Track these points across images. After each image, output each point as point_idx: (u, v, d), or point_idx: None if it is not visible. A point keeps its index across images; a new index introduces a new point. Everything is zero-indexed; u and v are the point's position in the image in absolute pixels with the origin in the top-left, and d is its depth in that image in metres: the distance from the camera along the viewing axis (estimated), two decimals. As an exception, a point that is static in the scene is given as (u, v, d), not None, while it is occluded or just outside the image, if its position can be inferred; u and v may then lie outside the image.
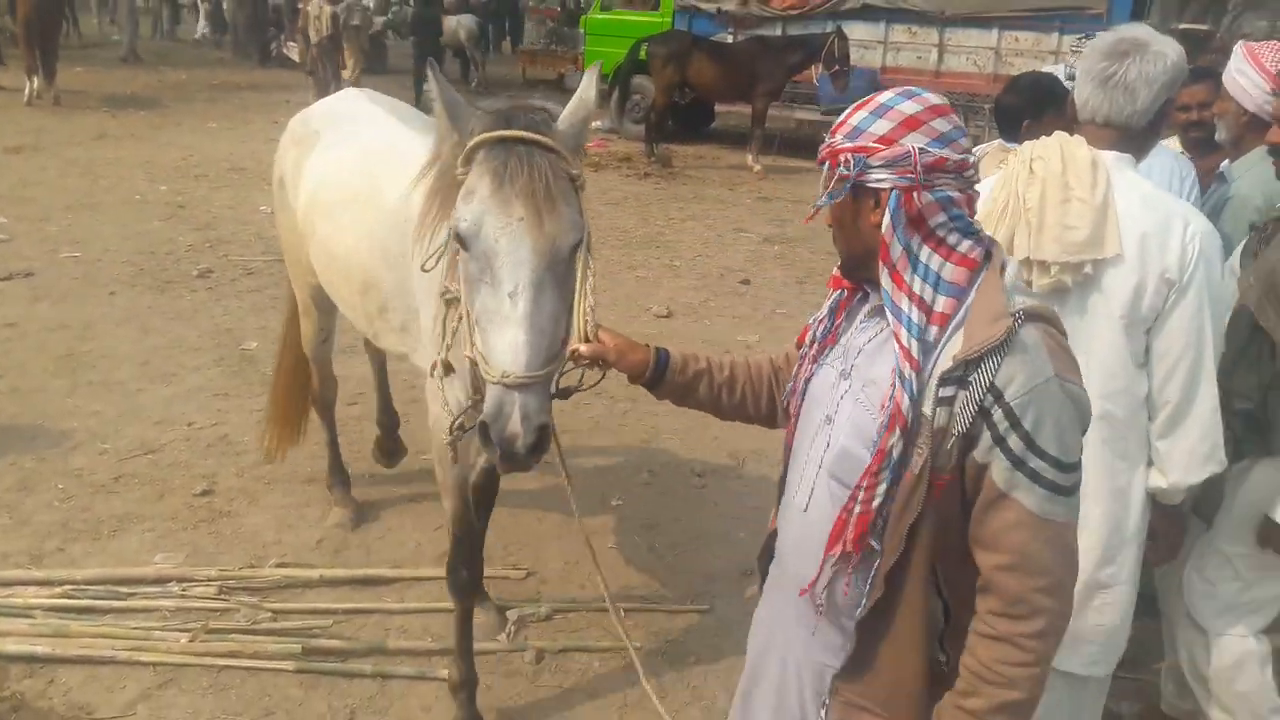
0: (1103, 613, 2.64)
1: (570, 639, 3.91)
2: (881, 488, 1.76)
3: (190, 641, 3.68)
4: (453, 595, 3.42)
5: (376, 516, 4.70)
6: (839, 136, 1.83)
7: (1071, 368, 1.76)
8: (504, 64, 26.83)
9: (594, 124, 2.76)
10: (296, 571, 4.15)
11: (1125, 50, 2.51)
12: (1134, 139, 2.58)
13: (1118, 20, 13.48)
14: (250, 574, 4.11)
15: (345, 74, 17.62)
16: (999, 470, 1.69)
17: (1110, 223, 2.42)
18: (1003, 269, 1.81)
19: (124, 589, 3.95)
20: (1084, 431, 1.76)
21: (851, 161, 1.78)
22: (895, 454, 1.73)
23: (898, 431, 1.72)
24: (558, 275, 2.20)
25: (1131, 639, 2.81)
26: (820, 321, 2.03)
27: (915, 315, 1.75)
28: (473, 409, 2.62)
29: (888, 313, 1.79)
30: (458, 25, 21.58)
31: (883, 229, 1.77)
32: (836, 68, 13.72)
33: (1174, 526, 2.82)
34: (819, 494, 1.92)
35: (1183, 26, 26.37)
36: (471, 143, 2.23)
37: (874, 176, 1.77)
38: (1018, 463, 1.67)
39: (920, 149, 1.75)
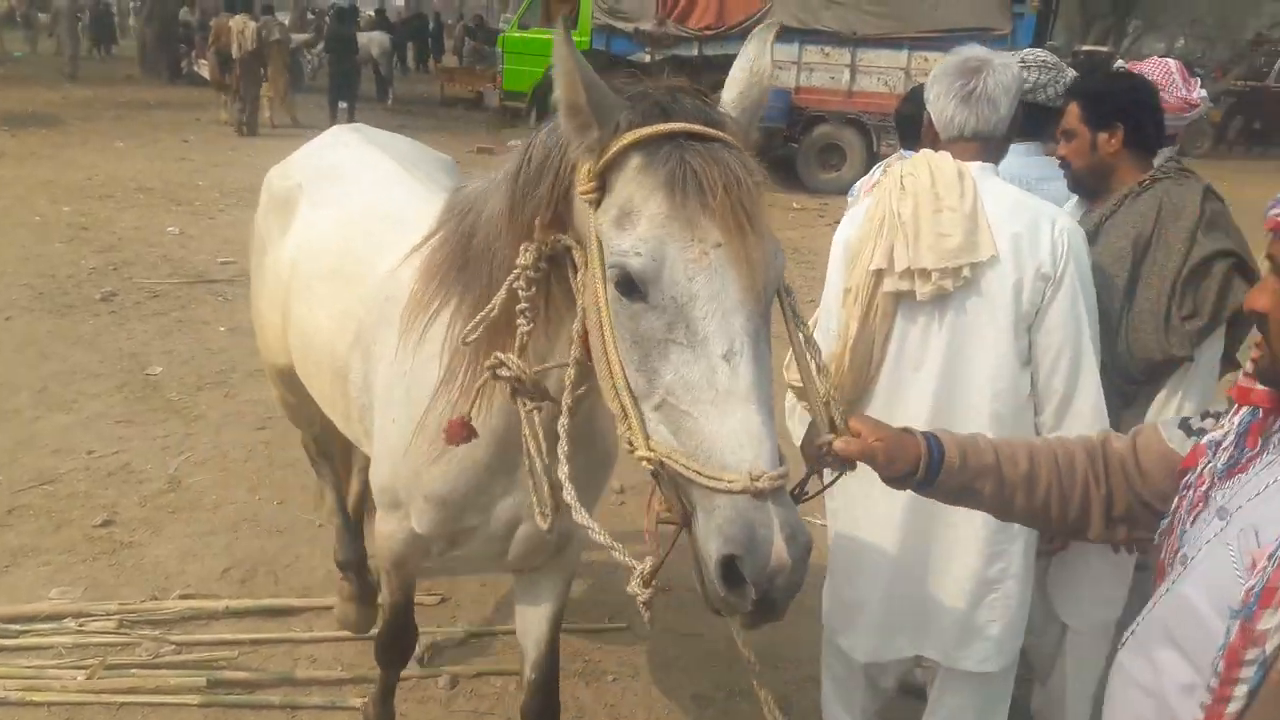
0: (994, 609, 2.69)
1: (486, 663, 3.85)
2: (1241, 689, 1.30)
3: (88, 679, 3.54)
4: (381, 668, 3.19)
5: (285, 544, 4.59)
6: None
7: None
8: (422, 82, 26.66)
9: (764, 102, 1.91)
10: (201, 603, 4.03)
11: (976, 67, 2.66)
12: (995, 148, 2.71)
13: (1022, 41, 13.95)
14: (153, 607, 3.97)
15: (265, 90, 17.38)
16: None
17: (982, 228, 2.51)
18: None
19: (16, 626, 3.79)
20: None
21: None
22: (1272, 645, 1.27)
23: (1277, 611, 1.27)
24: (766, 326, 1.62)
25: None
26: (1224, 450, 1.53)
27: None
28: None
29: None
30: (369, 42, 21.42)
31: None
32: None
33: None
34: (1148, 652, 1.52)
35: (1085, 48, 27.50)
36: (621, 143, 1.61)
37: None
38: None
39: None
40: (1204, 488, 1.52)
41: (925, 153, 2.69)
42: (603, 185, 1.65)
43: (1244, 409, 1.53)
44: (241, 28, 16.89)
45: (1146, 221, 2.91)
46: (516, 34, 18.25)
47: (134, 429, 5.60)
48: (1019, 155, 3.31)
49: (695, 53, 15.63)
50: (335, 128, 3.80)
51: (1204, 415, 1.69)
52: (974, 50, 2.73)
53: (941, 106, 2.69)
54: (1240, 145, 23.45)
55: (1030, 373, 2.60)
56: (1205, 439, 1.57)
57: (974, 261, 2.50)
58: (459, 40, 27.71)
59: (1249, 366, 1.53)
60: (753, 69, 1.81)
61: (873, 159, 13.43)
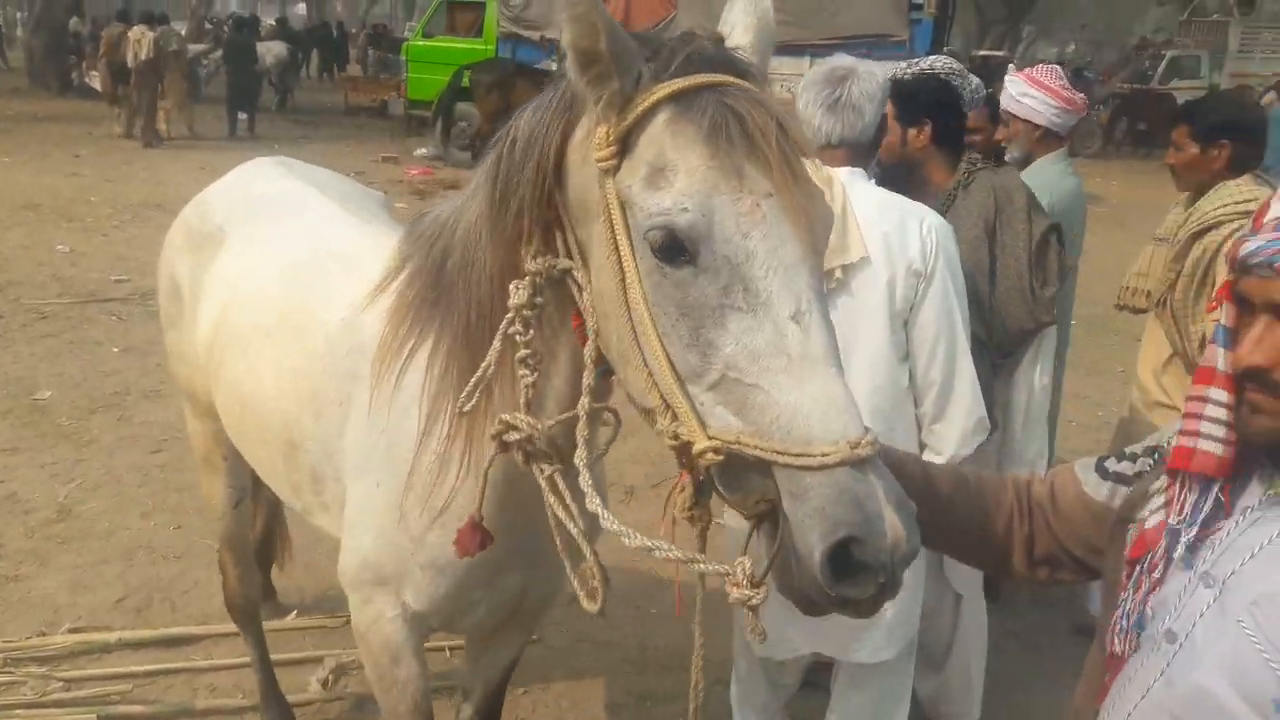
0: None
1: (393, 683, 3.78)
2: None
3: (-32, 722, 3.38)
4: None
5: (182, 569, 4.44)
6: None
7: None
8: (327, 91, 26.21)
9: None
10: (93, 636, 3.88)
11: (842, 76, 2.71)
12: (862, 154, 2.78)
13: (920, 47, 14.30)
14: (40, 642, 3.81)
15: (163, 103, 16.92)
16: None
17: (851, 230, 2.57)
18: None
19: (-111, 670, 3.60)
20: None
21: None
22: None
23: None
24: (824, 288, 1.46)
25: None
26: (1186, 531, 1.38)
27: None
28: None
29: None
30: (266, 51, 21.01)
31: None
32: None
33: None
34: None
35: (982, 53, 28.32)
36: (652, 97, 1.42)
37: None
38: None
39: None
40: (1158, 573, 1.40)
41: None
42: (621, 150, 1.45)
43: (1202, 479, 1.37)
44: (139, 37, 16.45)
45: (988, 209, 3.17)
46: (421, 42, 18.08)
47: (20, 457, 5.36)
48: None
49: (602, 60, 15.66)
50: (256, 160, 3.36)
51: (1119, 457, 1.61)
52: (840, 59, 2.79)
53: (809, 115, 2.74)
54: (1127, 146, 24.41)
55: (908, 366, 2.68)
56: (1169, 524, 1.40)
57: (845, 263, 2.56)
58: (362, 49, 27.34)
59: (1198, 426, 1.37)
60: (758, 13, 1.62)
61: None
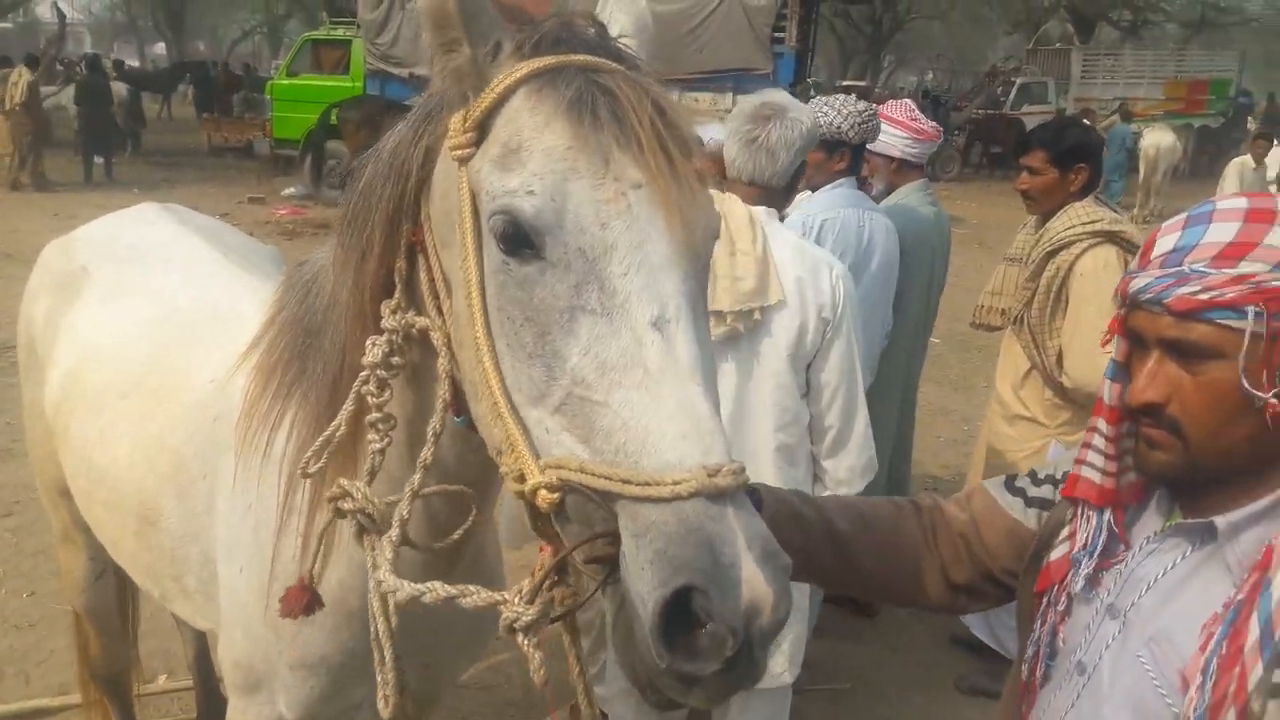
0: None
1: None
2: None
3: None
4: None
5: (38, 639, 4.18)
6: (1266, 267, 1.21)
7: None
8: (189, 131, 25.40)
9: None
10: (-63, 716, 3.63)
11: (767, 115, 2.75)
12: (775, 196, 2.84)
13: (784, 78, 14.72)
14: (-123, 727, 3.55)
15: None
16: None
17: (771, 273, 2.64)
18: None
19: None
20: None
21: None
22: None
23: None
24: (703, 296, 1.28)
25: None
26: (1089, 562, 1.38)
27: None
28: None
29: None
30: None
31: None
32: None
33: None
34: None
35: (845, 83, 29.25)
36: (511, 76, 1.23)
37: None
38: None
39: None
40: (1062, 605, 1.41)
41: (716, 194, 2.76)
42: (480, 136, 1.25)
43: (1097, 510, 1.39)
44: (17, 79, 15.76)
45: None
46: (286, 81, 17.72)
47: None
48: (827, 190, 3.64)
49: (473, 95, 15.62)
50: (141, 205, 3.03)
51: (1034, 480, 1.59)
52: (775, 96, 2.85)
53: (728, 147, 2.81)
54: (984, 168, 25.55)
55: (808, 405, 2.78)
56: (1073, 555, 1.40)
57: (764, 305, 2.63)
58: (220, 87, 26.62)
59: (1085, 455, 1.40)
60: (634, 11, 1.45)
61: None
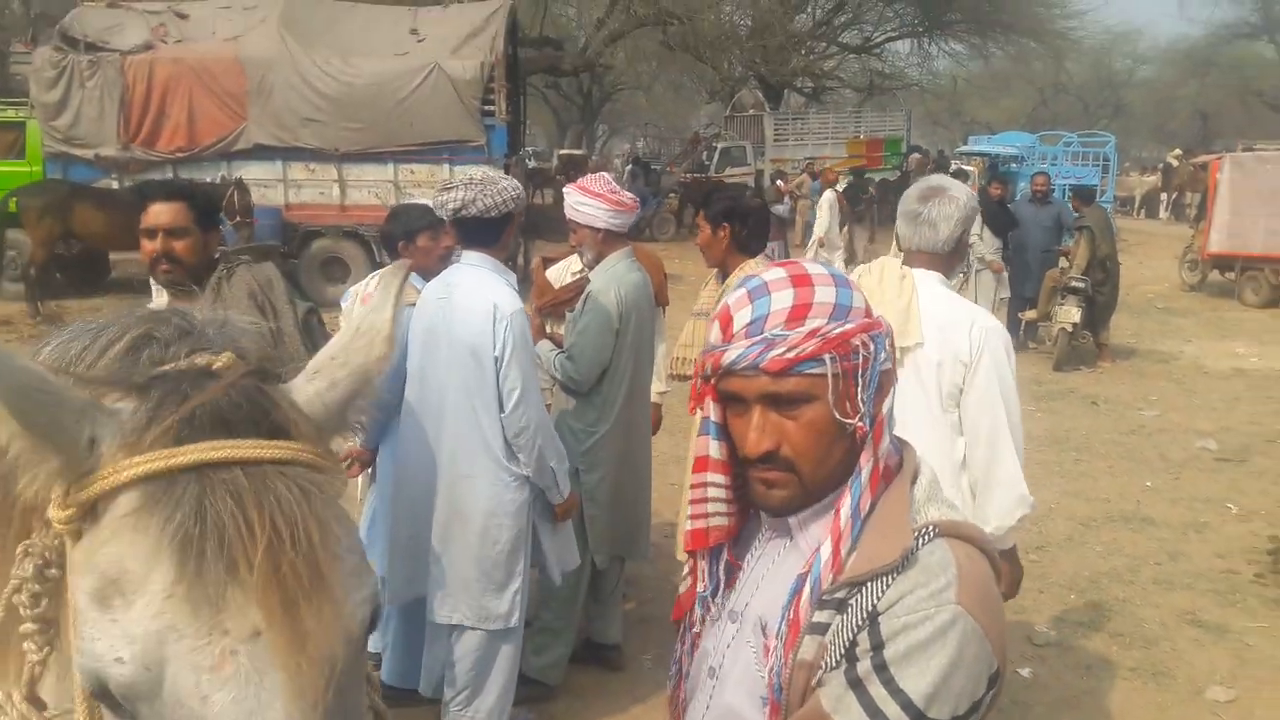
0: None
1: None
2: None
3: None
4: None
5: None
6: (824, 320, 1.43)
7: (988, 606, 1.38)
8: None
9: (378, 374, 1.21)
10: None
11: (926, 195, 3.20)
12: (939, 261, 3.24)
13: (497, 150, 14.94)
14: None
15: None
16: (831, 691, 1.35)
17: (912, 318, 3.05)
18: (915, 477, 1.51)
19: None
20: (987, 691, 1.36)
21: (872, 345, 1.45)
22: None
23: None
24: (342, 701, 1.08)
25: None
26: (712, 598, 1.60)
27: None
28: None
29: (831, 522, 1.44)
30: None
31: (876, 421, 1.45)
32: (238, 218, 13.40)
33: (1010, 565, 3.19)
34: None
35: (563, 151, 29.97)
36: (112, 479, 1.04)
37: (883, 360, 1.47)
38: (856, 684, 1.33)
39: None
40: (696, 627, 1.61)
41: (883, 259, 3.32)
42: (88, 513, 1.06)
43: (705, 551, 1.58)
44: None
45: (256, 295, 3.61)
46: (-51, 168, 16.02)
47: None
48: (470, 264, 3.77)
49: (171, 175, 14.75)
50: None
51: None
52: (937, 180, 3.31)
53: (899, 224, 3.27)
54: (696, 229, 26.78)
55: (962, 442, 3.10)
56: (699, 592, 1.60)
57: (904, 346, 2.97)
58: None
59: (705, 509, 1.56)
60: (366, 328, 1.22)
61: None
